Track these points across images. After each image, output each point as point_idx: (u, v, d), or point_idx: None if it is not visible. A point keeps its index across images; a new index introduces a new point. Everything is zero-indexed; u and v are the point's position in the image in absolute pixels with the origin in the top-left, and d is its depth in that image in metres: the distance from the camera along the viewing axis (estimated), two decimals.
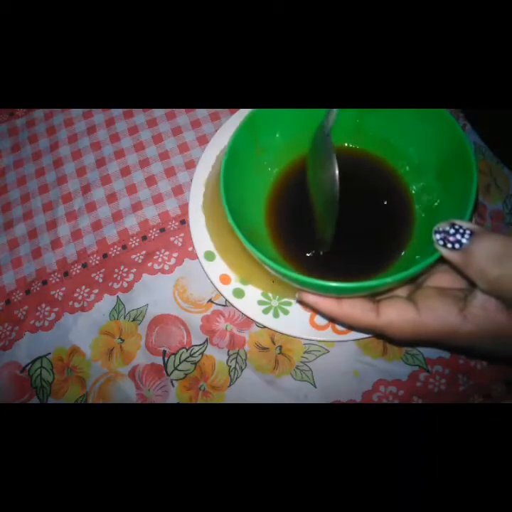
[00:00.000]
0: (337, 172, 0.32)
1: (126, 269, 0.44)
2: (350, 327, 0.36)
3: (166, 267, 0.43)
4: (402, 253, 0.34)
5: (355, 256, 0.34)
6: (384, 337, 0.31)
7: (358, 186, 0.36)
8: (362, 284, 0.27)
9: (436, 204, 0.34)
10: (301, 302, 0.30)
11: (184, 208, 0.45)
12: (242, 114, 0.45)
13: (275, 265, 0.28)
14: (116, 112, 0.50)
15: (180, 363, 0.41)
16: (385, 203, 0.36)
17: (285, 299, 0.39)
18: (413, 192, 0.36)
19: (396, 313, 0.27)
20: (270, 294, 0.39)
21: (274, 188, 0.38)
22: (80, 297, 0.43)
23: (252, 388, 0.39)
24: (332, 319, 0.37)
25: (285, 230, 0.36)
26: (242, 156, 0.34)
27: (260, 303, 0.39)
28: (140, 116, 0.50)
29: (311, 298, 0.29)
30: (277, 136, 0.37)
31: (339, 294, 0.29)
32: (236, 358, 0.40)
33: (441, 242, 0.25)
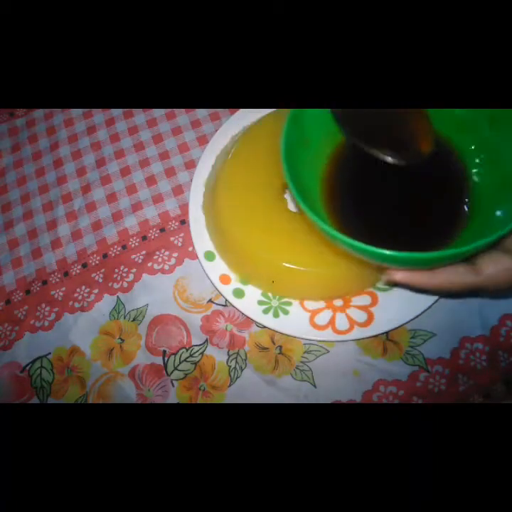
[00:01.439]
0: None
1: (126, 269, 0.44)
2: (443, 293, 0.36)
3: (166, 267, 0.43)
4: (467, 218, 0.32)
5: (418, 231, 0.33)
6: (481, 291, 0.31)
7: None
8: (463, 248, 0.25)
9: (496, 157, 0.32)
10: (389, 283, 0.29)
11: (184, 208, 0.45)
12: (242, 114, 0.45)
13: (365, 246, 0.26)
14: (116, 112, 0.50)
15: (180, 363, 0.41)
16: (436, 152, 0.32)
17: (285, 299, 0.39)
18: (467, 151, 0.33)
19: (496, 267, 0.28)
20: (270, 294, 0.39)
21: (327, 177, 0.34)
22: (80, 297, 0.43)
23: (252, 388, 0.39)
24: (426, 290, 0.36)
25: (346, 216, 0.33)
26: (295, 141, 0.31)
27: (260, 303, 0.39)
28: (140, 116, 0.50)
29: (400, 275, 0.29)
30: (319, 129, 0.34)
31: (435, 264, 0.28)
32: (236, 358, 0.40)
33: None
